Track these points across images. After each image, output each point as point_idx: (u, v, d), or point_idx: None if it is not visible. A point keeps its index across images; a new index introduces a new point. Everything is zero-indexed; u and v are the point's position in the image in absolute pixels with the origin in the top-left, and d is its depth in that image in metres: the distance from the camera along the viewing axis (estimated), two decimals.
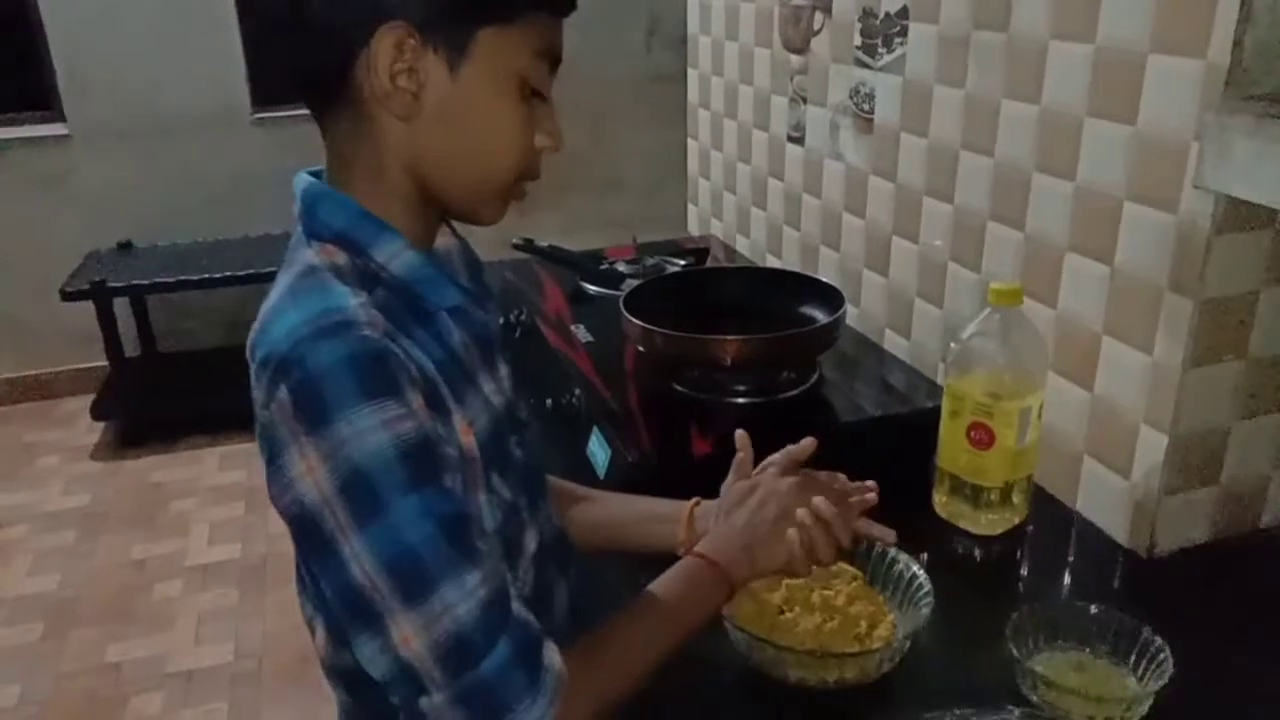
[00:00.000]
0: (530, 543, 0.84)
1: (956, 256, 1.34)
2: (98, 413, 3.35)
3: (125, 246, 3.59)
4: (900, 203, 1.45)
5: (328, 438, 0.66)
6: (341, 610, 0.70)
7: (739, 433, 1.01)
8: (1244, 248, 0.97)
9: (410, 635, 0.68)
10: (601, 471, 1.24)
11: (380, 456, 0.66)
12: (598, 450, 1.26)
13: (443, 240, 0.88)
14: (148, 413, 3.43)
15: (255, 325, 0.73)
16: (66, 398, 3.71)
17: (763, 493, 0.92)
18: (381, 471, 0.66)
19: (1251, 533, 1.12)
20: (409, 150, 0.75)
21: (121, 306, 3.42)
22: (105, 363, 3.41)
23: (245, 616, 2.50)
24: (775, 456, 0.97)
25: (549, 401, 1.39)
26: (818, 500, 0.89)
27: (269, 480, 0.70)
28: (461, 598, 0.68)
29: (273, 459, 0.69)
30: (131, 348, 3.52)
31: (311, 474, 0.67)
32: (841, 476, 0.96)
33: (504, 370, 0.87)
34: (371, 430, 0.66)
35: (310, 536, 0.69)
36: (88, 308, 3.24)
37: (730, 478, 0.98)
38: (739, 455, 0.99)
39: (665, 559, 0.90)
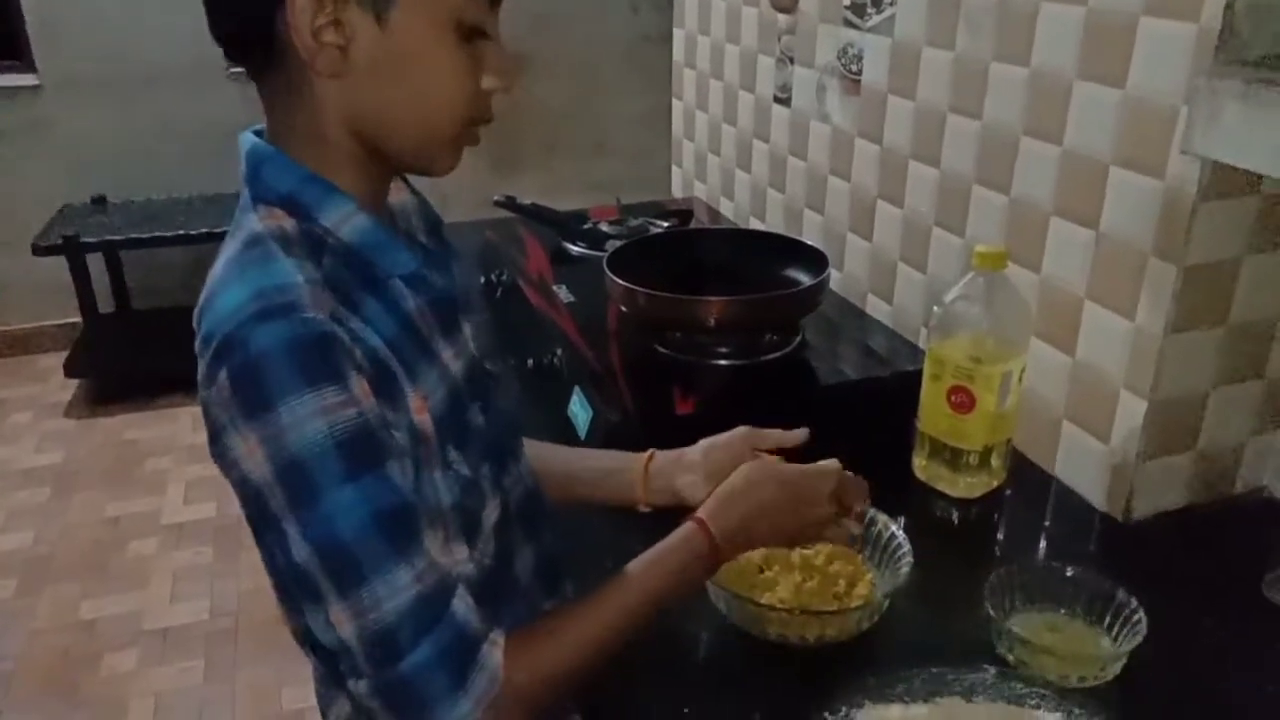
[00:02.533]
0: (491, 514, 0.82)
1: (941, 221, 1.33)
2: (71, 369, 3.31)
3: (99, 201, 3.53)
4: (886, 166, 1.44)
5: (266, 424, 0.65)
6: (288, 583, 0.70)
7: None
8: (1229, 214, 0.97)
9: (341, 620, 0.68)
10: (583, 432, 1.23)
11: (317, 445, 0.65)
12: (579, 410, 1.26)
13: (399, 197, 0.85)
14: (122, 370, 3.39)
15: (202, 295, 0.70)
16: (40, 354, 3.67)
17: (784, 478, 0.89)
18: (318, 460, 0.65)
19: (1227, 498, 1.13)
20: (347, 108, 0.72)
21: (95, 262, 3.37)
22: (79, 319, 3.37)
23: (220, 575, 2.49)
24: (828, 468, 0.92)
25: (530, 361, 1.38)
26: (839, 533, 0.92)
27: (213, 455, 0.69)
28: (389, 594, 0.67)
29: (215, 437, 0.68)
30: (105, 304, 3.47)
31: (252, 456, 0.66)
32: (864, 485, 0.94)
33: (467, 330, 0.84)
34: (310, 418, 0.65)
35: (256, 511, 0.69)
36: (61, 263, 3.19)
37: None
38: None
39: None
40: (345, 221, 0.73)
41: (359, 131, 0.73)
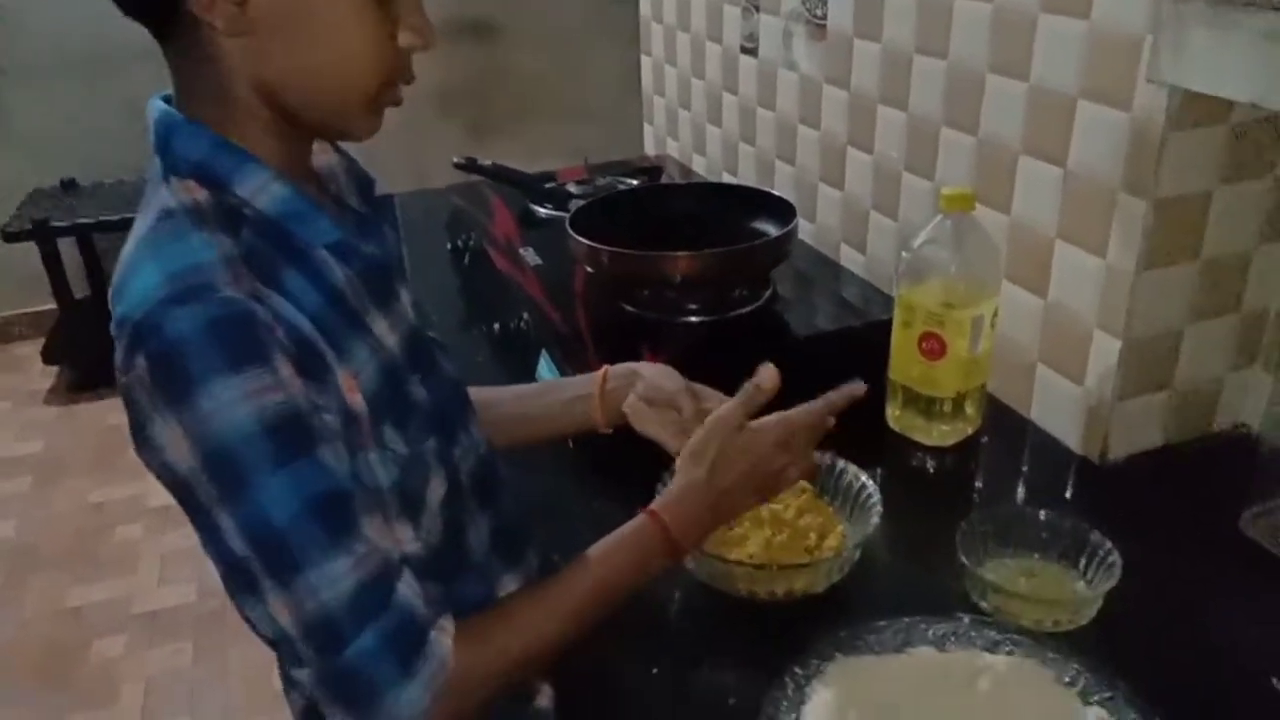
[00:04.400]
0: (436, 490, 0.78)
1: (911, 165, 1.30)
2: (49, 356, 3.27)
3: (69, 185, 3.46)
4: (854, 111, 1.41)
5: (189, 411, 0.62)
6: (227, 573, 0.67)
7: (768, 370, 0.87)
8: (1198, 145, 0.95)
9: (281, 610, 0.65)
10: None
11: (244, 432, 0.62)
12: (546, 373, 1.23)
13: (326, 158, 0.81)
14: (101, 355, 3.31)
15: (115, 275, 0.67)
16: (17, 342, 3.63)
17: (751, 463, 0.83)
18: (245, 448, 0.62)
19: (1204, 436, 1.12)
20: (253, 69, 0.68)
21: (68, 247, 3.31)
22: (54, 305, 3.33)
23: (207, 557, 2.47)
24: (768, 420, 0.85)
25: (496, 326, 1.35)
26: (809, 468, 0.87)
27: (136, 446, 0.66)
28: (327, 584, 0.65)
29: (137, 426, 0.65)
30: (80, 289, 3.42)
31: (177, 446, 0.63)
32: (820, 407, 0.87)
33: (406, 298, 0.81)
34: (234, 404, 0.61)
35: (187, 503, 0.66)
36: (32, 249, 3.14)
37: (727, 416, 0.84)
38: (755, 392, 0.86)
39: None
40: (261, 191, 0.69)
41: (268, 94, 0.69)
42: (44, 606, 2.37)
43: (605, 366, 0.99)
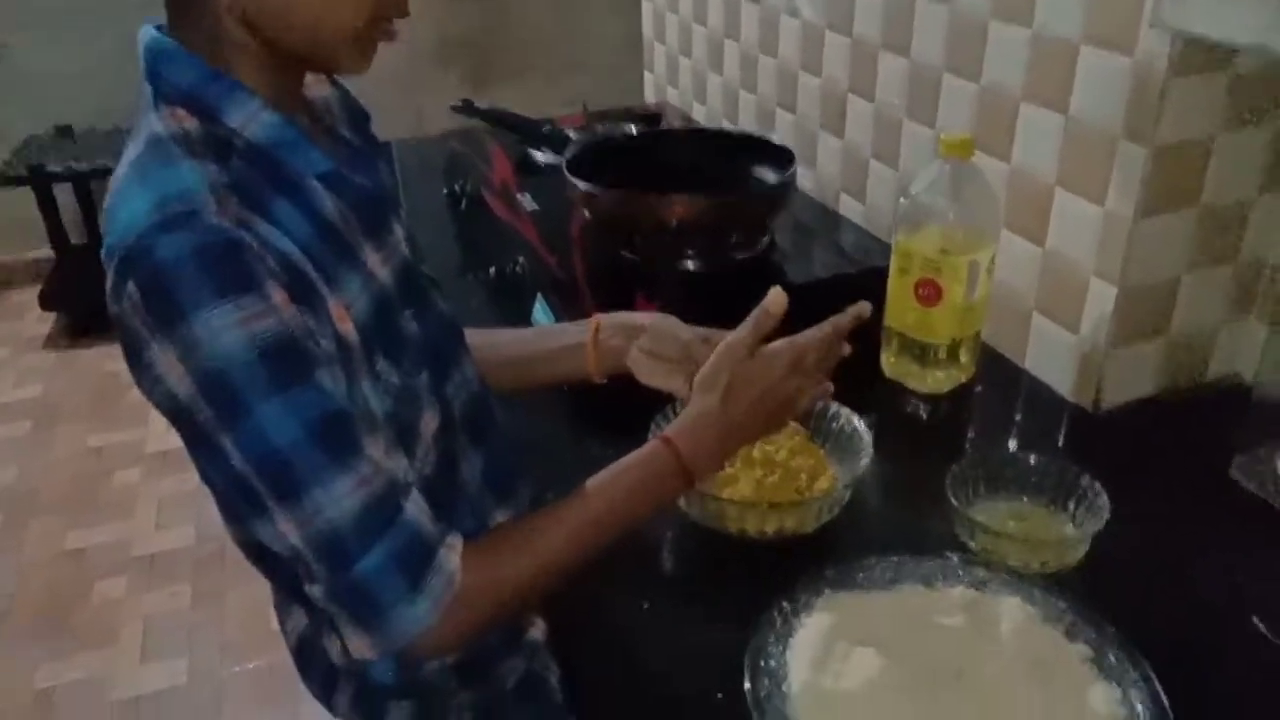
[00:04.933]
0: (430, 423, 0.79)
1: (912, 113, 1.29)
2: (46, 303, 3.27)
3: (64, 131, 3.44)
4: (856, 58, 1.39)
5: (183, 339, 0.62)
6: (232, 496, 0.68)
7: (776, 293, 0.86)
8: (1200, 91, 0.94)
9: (288, 530, 0.66)
10: None
11: (238, 359, 0.62)
12: (541, 317, 1.24)
13: (320, 89, 0.81)
14: (98, 301, 3.31)
15: (105, 203, 0.67)
16: (14, 289, 3.62)
17: (763, 388, 0.83)
18: (241, 374, 0.63)
19: (1198, 385, 1.12)
20: (238, 1, 0.67)
21: (64, 193, 3.30)
22: (51, 252, 3.32)
23: (206, 500, 2.42)
24: (777, 344, 0.86)
25: (492, 271, 1.35)
26: (821, 389, 0.87)
27: (134, 375, 0.66)
28: (331, 502, 0.65)
29: (134, 355, 0.65)
30: (77, 235, 3.42)
31: (173, 372, 0.63)
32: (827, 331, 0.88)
33: (399, 231, 0.81)
34: (226, 330, 0.62)
35: (187, 429, 0.66)
36: (29, 195, 3.13)
37: (736, 343, 0.85)
38: (764, 317, 0.86)
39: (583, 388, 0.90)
40: (251, 120, 0.69)
41: (254, 26, 0.69)
42: (44, 550, 2.39)
43: (597, 315, 0.98)
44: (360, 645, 0.70)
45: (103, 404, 2.91)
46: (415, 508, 0.70)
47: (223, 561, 2.29)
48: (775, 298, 0.86)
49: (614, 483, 0.80)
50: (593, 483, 0.80)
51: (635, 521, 0.80)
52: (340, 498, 0.66)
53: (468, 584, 0.71)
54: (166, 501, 2.52)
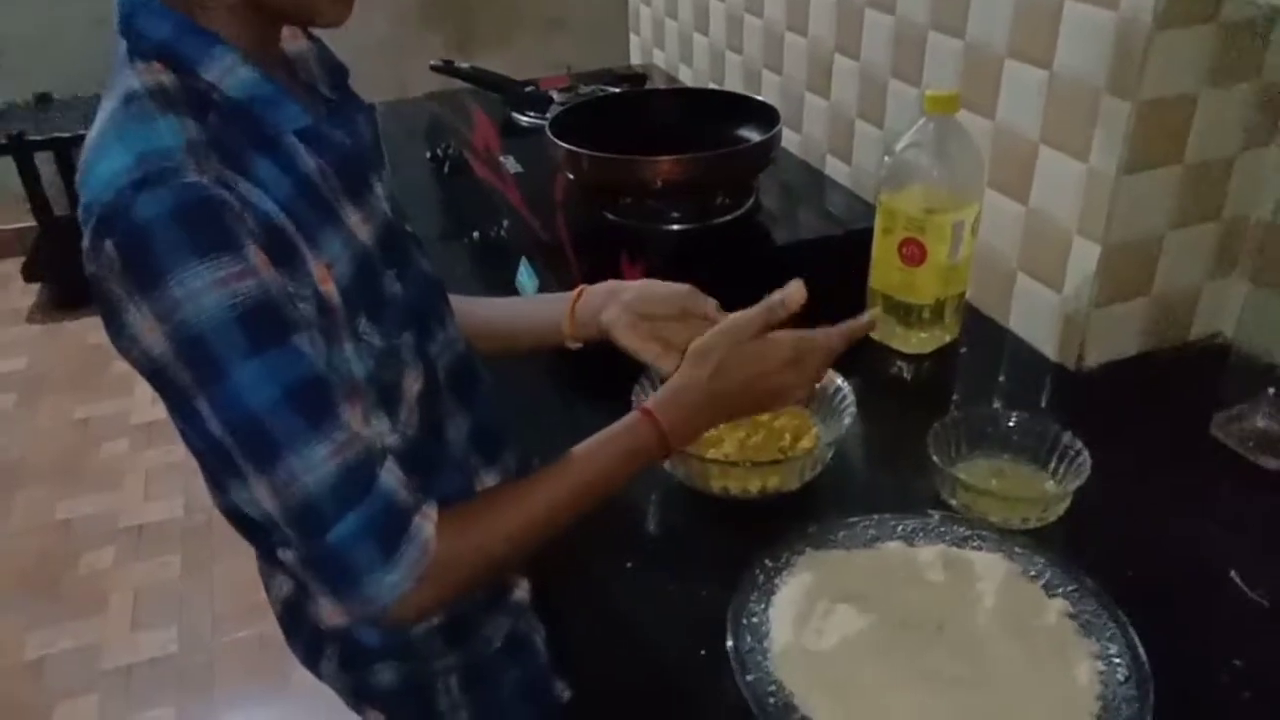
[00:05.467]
0: (413, 384, 0.78)
1: (898, 71, 1.28)
2: (29, 274, 3.24)
3: (44, 99, 3.39)
4: (842, 16, 1.38)
5: (160, 299, 0.61)
6: (211, 459, 0.68)
7: (796, 285, 0.85)
8: (1184, 45, 0.93)
9: (263, 496, 0.66)
10: None
11: (216, 320, 0.61)
12: (526, 280, 1.23)
13: (298, 45, 0.79)
14: (82, 273, 3.30)
15: (80, 159, 0.66)
16: None
17: (757, 372, 0.82)
18: (219, 335, 0.62)
19: (1181, 345, 1.12)
20: None
21: (45, 163, 3.25)
22: (34, 222, 3.28)
23: (194, 471, 2.40)
24: (785, 335, 0.84)
25: (476, 234, 1.34)
26: (812, 390, 0.86)
27: (110, 335, 0.65)
28: (307, 469, 0.65)
29: (111, 315, 0.64)
30: (60, 206, 3.37)
31: (151, 333, 0.62)
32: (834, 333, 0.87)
33: (380, 190, 0.80)
34: (205, 291, 0.61)
35: (166, 390, 0.66)
36: (9, 166, 3.09)
37: (743, 323, 0.84)
38: (778, 307, 0.84)
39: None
40: (228, 74, 0.67)
41: None
42: (32, 520, 2.38)
43: (582, 286, 0.97)
44: (333, 612, 0.70)
45: (88, 375, 2.89)
46: (391, 476, 0.70)
47: (211, 532, 2.29)
48: (795, 291, 0.85)
49: (593, 454, 0.79)
50: (572, 453, 0.79)
51: (612, 491, 0.80)
52: (316, 464, 0.65)
53: (442, 552, 0.71)
54: (154, 472, 2.52)
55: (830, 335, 0.86)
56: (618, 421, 0.81)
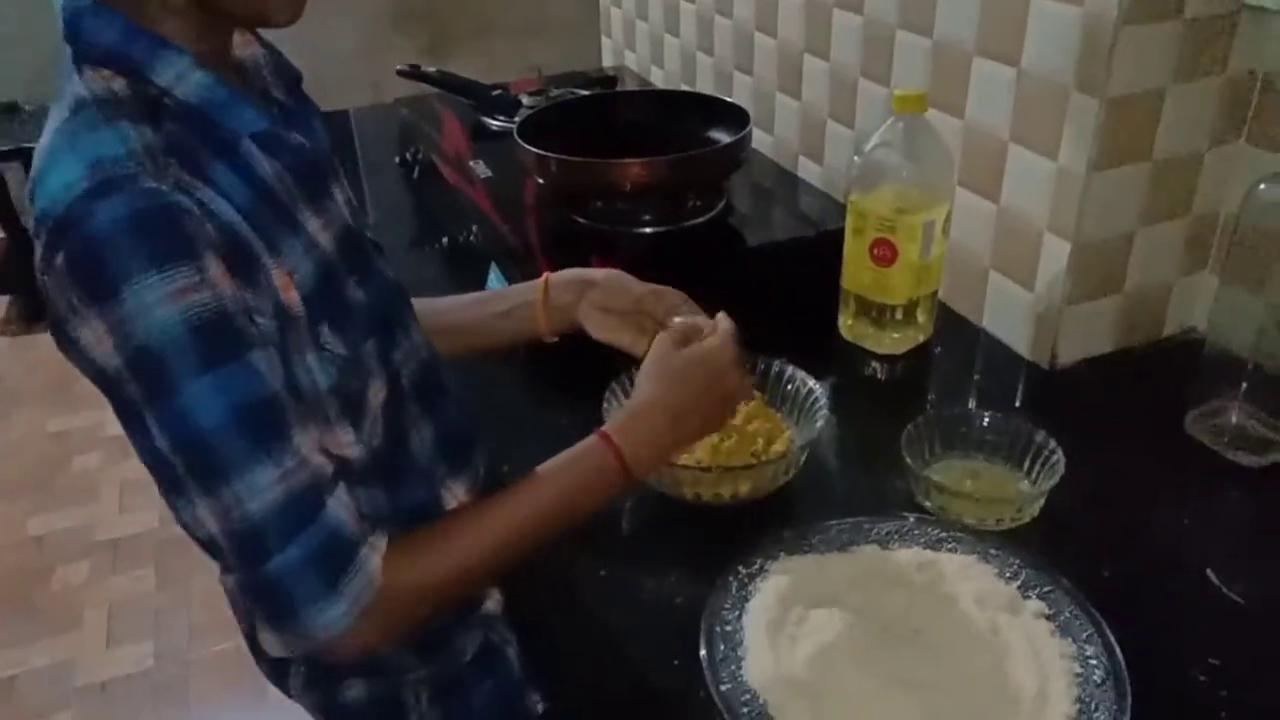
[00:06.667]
0: (378, 393, 0.77)
1: (867, 71, 1.28)
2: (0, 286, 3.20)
3: (10, 108, 3.35)
4: (810, 16, 1.37)
5: (112, 311, 0.59)
6: (158, 475, 0.66)
7: (723, 320, 0.87)
8: (1151, 41, 0.93)
9: (206, 518, 0.64)
10: None
11: (169, 334, 0.59)
12: (496, 286, 1.21)
13: (250, 50, 0.77)
14: None
15: (32, 170, 0.64)
16: None
17: (707, 380, 0.82)
18: (171, 350, 0.60)
19: (1154, 342, 1.12)
20: None
21: (14, 174, 3.22)
22: (2, 233, 3.24)
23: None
24: (715, 340, 0.85)
25: (445, 240, 1.33)
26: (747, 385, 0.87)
27: (60, 345, 0.64)
28: (251, 494, 0.63)
29: (58, 325, 0.62)
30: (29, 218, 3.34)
31: (100, 345, 0.61)
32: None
33: (339, 196, 0.78)
34: (159, 303, 0.59)
35: (117, 403, 0.64)
36: None
37: (680, 329, 0.86)
38: (709, 321, 0.87)
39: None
40: (182, 79, 0.66)
41: None
42: (5, 536, 2.35)
43: (547, 273, 0.97)
44: (272, 641, 0.69)
45: (60, 389, 2.85)
46: (338, 504, 0.68)
47: (187, 544, 2.24)
48: (721, 318, 0.87)
49: (549, 481, 0.77)
50: (532, 475, 0.78)
51: (576, 516, 0.78)
52: (261, 489, 0.63)
53: (389, 585, 0.69)
54: (129, 485, 2.49)
55: (721, 319, 0.87)
56: (578, 445, 0.79)
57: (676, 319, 0.89)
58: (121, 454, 2.58)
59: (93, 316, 0.60)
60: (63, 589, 2.20)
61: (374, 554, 0.69)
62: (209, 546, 0.67)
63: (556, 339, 0.97)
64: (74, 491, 2.48)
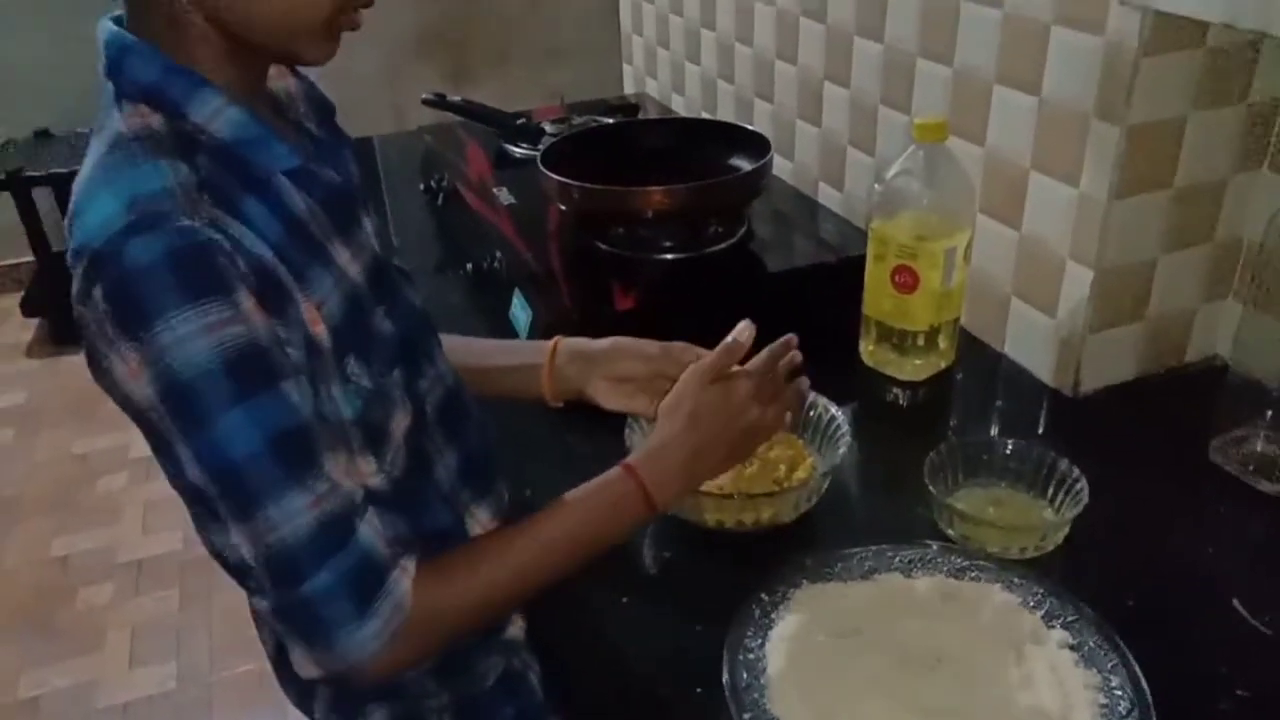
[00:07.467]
0: (401, 423, 0.77)
1: (887, 99, 1.29)
2: (28, 309, 3.25)
3: (43, 134, 3.41)
4: (831, 44, 1.38)
5: (147, 344, 0.60)
6: (190, 503, 0.67)
7: (744, 324, 0.86)
8: (1172, 69, 0.93)
9: (241, 543, 0.65)
10: (524, 334, 1.20)
11: (203, 367, 0.61)
12: (519, 313, 1.23)
13: (285, 82, 0.79)
14: None
15: (70, 204, 0.65)
16: None
17: (728, 415, 0.82)
18: (205, 383, 0.61)
19: (1177, 368, 1.12)
20: None
21: (43, 198, 3.27)
22: (32, 257, 3.29)
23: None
24: (736, 374, 0.85)
25: (469, 266, 1.34)
26: (781, 414, 0.85)
27: (95, 375, 0.65)
28: (285, 519, 0.64)
29: (93, 357, 0.64)
30: (58, 241, 3.38)
31: (135, 379, 0.62)
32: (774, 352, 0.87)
33: (369, 226, 0.79)
34: (193, 337, 0.60)
35: (148, 433, 0.65)
36: (8, 201, 3.10)
37: (701, 371, 0.84)
38: (733, 346, 0.85)
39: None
40: (216, 116, 0.67)
41: (215, 16, 0.67)
42: (29, 556, 2.37)
43: (557, 338, 0.97)
44: (304, 662, 0.69)
45: (86, 410, 2.88)
46: (369, 529, 0.69)
47: (210, 566, 2.25)
48: (743, 328, 0.85)
49: (574, 511, 0.78)
50: (554, 508, 0.79)
51: (597, 549, 0.79)
52: (294, 515, 0.64)
53: (420, 608, 0.70)
54: (152, 506, 2.51)
55: (761, 361, 0.86)
56: (602, 476, 0.80)
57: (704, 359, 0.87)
58: (145, 475, 2.61)
59: (128, 350, 0.61)
60: (86, 610, 2.21)
61: (405, 577, 0.70)
62: (239, 571, 0.68)
63: (560, 405, 0.96)
64: (98, 512, 2.51)
